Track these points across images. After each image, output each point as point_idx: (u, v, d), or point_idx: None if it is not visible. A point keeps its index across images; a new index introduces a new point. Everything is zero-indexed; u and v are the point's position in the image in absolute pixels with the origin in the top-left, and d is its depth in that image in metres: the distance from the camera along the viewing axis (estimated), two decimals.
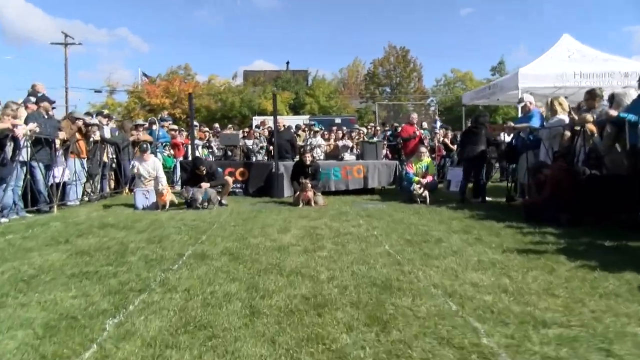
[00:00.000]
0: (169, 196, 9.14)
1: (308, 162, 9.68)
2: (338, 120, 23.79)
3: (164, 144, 13.78)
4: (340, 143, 16.00)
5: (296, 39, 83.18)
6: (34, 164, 8.45)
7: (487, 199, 9.71)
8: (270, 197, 10.87)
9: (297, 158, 14.58)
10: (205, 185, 9.19)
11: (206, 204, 9.05)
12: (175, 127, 15.22)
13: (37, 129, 8.38)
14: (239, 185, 11.56)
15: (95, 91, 43.19)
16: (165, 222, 7.30)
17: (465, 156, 9.87)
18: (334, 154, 15.07)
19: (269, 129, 15.55)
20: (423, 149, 10.12)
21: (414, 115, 14.51)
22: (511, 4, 77.02)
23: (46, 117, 8.86)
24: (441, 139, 15.95)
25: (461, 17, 77.65)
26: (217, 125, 17.70)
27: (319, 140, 15.65)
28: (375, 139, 12.18)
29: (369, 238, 5.73)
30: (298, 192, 9.45)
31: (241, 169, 11.58)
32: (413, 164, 10.04)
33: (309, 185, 9.26)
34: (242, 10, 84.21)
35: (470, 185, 10.06)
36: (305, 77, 47.62)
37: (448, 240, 5.53)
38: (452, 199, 10.30)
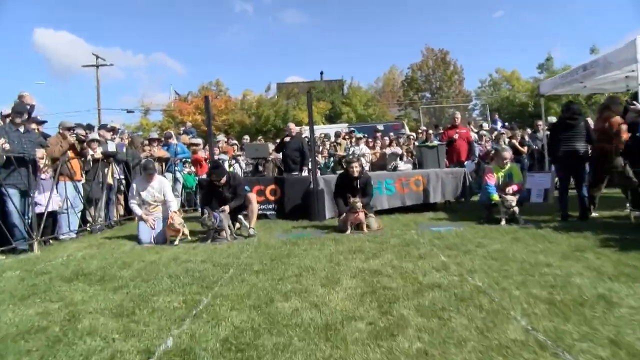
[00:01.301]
0: (178, 225, 7.07)
1: (356, 174, 7.43)
2: (380, 127, 21.43)
3: (183, 160, 11.83)
4: (387, 151, 13.72)
5: (329, 52, 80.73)
6: (3, 190, 6.56)
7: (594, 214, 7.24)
8: (309, 219, 8.67)
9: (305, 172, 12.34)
10: (226, 208, 7.14)
11: (228, 233, 6.98)
12: (199, 140, 13.28)
13: (7, 146, 6.52)
14: (270, 206, 9.41)
15: (128, 111, 42.62)
16: (164, 266, 5.18)
17: (559, 157, 7.37)
18: (381, 164, 12.90)
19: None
20: (507, 153, 7.66)
21: (457, 115, 12.11)
22: (540, 4, 72.55)
23: (21, 130, 6.96)
24: (507, 140, 13.40)
25: (493, 20, 73.88)
26: (246, 137, 15.75)
27: (362, 148, 13.43)
28: (436, 142, 9.82)
29: (477, 297, 3.41)
30: (344, 214, 7.23)
31: (272, 186, 9.40)
32: (494, 173, 7.64)
33: (359, 204, 7.01)
34: (273, 27, 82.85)
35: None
36: (340, 86, 45.60)
37: (622, 300, 3.16)
38: (542, 213, 7.87)
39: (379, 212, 8.67)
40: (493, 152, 9.73)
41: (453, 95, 47.52)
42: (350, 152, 13.30)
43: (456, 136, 11.30)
